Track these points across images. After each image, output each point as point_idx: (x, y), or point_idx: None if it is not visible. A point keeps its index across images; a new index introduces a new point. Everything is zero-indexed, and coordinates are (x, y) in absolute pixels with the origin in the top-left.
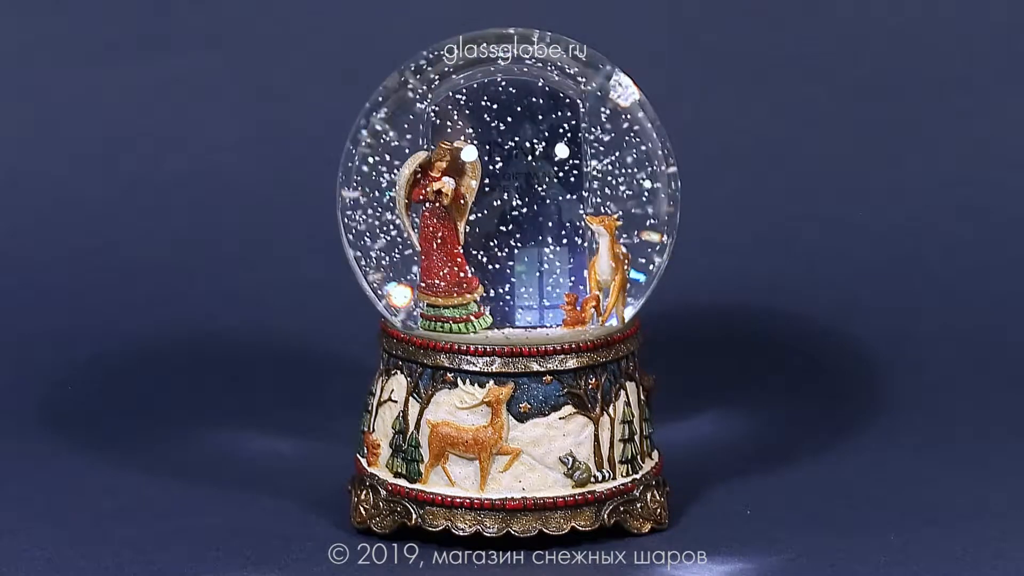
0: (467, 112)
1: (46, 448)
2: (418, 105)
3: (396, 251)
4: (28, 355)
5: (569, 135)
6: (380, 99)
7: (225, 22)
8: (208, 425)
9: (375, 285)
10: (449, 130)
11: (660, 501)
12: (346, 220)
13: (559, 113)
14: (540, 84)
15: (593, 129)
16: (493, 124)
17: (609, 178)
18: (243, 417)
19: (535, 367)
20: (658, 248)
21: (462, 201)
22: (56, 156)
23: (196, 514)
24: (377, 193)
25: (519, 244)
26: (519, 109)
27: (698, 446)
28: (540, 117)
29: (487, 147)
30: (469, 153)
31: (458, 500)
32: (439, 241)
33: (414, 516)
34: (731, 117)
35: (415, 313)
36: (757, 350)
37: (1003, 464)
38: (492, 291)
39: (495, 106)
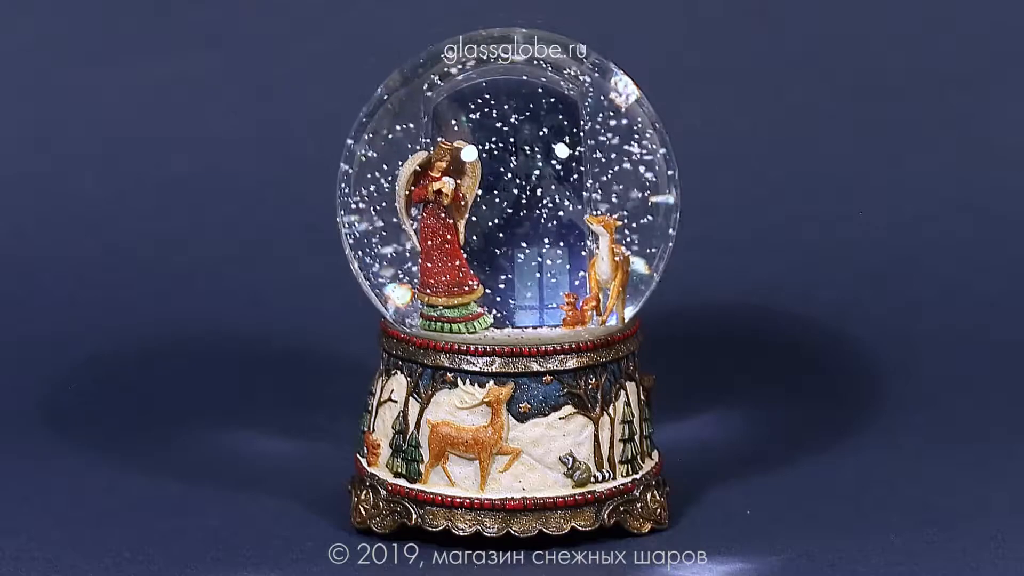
0: (467, 112)
1: (46, 448)
2: (418, 105)
3: (396, 252)
4: (28, 355)
5: (569, 135)
6: (379, 100)
7: (225, 22)
8: (208, 425)
9: (377, 288)
10: (449, 130)
11: (660, 501)
12: (345, 220)
13: (559, 113)
14: (540, 84)
15: (593, 129)
16: (493, 124)
17: (609, 178)
18: (243, 417)
19: (535, 367)
20: (657, 248)
21: (462, 201)
22: (56, 156)
23: (196, 514)
24: (377, 195)
25: (519, 244)
26: (519, 109)
27: (698, 446)
28: (540, 117)
29: (487, 147)
30: (469, 153)
31: (458, 500)
32: (439, 241)
33: (414, 516)
34: (731, 117)
35: (415, 313)
36: (757, 350)
37: (1003, 464)
38: (492, 291)
39: (495, 106)
